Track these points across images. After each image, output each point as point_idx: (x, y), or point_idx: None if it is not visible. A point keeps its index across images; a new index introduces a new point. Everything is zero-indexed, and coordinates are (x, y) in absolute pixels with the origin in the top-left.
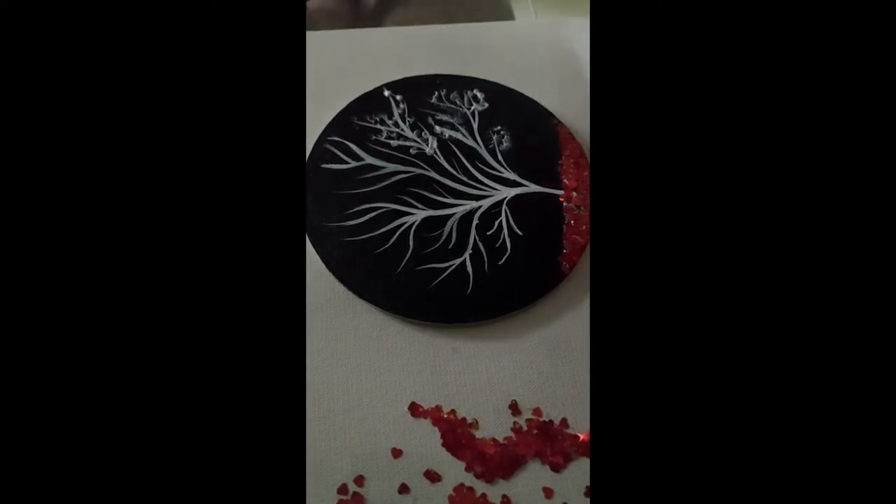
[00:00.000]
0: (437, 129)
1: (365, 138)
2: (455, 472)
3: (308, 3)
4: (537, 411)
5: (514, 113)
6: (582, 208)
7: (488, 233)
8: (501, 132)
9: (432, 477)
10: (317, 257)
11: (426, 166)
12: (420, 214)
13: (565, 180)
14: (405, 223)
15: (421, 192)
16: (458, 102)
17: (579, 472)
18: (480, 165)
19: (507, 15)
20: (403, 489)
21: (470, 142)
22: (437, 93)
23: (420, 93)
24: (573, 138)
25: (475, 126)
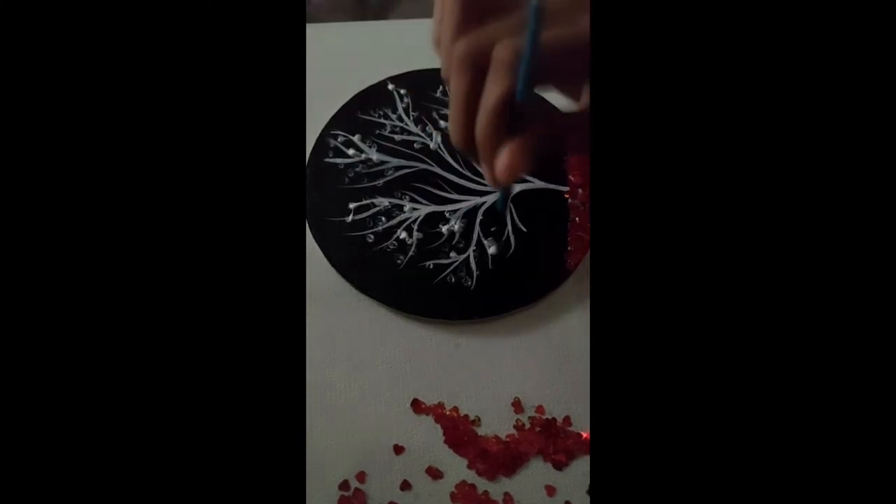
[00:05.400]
0: (442, 123)
1: (369, 132)
2: (457, 469)
3: None
4: (540, 409)
5: None
6: (587, 205)
7: (493, 229)
8: None
9: (434, 474)
10: (319, 252)
11: (430, 161)
12: (424, 210)
13: (571, 177)
14: (409, 218)
15: (425, 187)
16: None
17: (582, 470)
18: None
19: None
20: (405, 486)
21: None
22: (441, 87)
23: (424, 87)
24: None
25: None
